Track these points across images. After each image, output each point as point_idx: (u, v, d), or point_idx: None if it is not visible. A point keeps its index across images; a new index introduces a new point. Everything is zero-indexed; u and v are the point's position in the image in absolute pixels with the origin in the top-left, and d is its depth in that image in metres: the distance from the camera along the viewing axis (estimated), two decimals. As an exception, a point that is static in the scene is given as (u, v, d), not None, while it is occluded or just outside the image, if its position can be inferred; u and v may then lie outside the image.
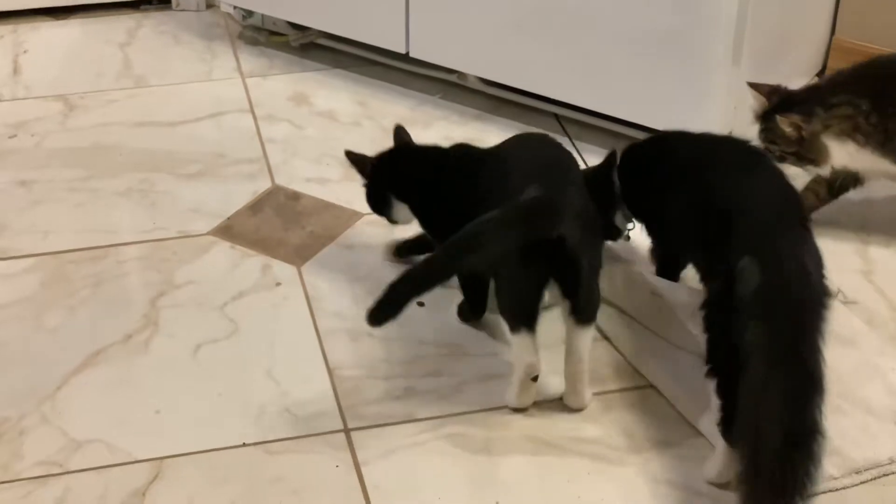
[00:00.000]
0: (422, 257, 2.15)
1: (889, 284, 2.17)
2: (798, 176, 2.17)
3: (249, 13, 3.02)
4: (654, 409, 1.91)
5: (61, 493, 1.76)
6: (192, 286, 2.18)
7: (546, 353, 1.85)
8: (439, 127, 2.65)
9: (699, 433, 1.84)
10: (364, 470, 1.80)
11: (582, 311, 1.83)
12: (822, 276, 1.75)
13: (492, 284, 1.94)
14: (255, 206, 2.40)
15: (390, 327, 1.97)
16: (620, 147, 2.09)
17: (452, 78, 2.77)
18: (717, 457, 1.75)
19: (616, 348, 2.03)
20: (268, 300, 2.15)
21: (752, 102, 2.22)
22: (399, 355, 2.01)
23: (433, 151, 2.11)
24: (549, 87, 2.58)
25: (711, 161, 1.94)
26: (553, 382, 1.91)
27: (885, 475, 1.77)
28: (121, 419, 1.89)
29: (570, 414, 1.89)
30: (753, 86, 2.22)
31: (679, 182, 1.94)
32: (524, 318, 1.82)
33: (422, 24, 2.68)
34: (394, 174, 2.09)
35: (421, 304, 2.04)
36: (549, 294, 1.83)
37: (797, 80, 2.53)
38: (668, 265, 2.10)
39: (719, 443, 1.74)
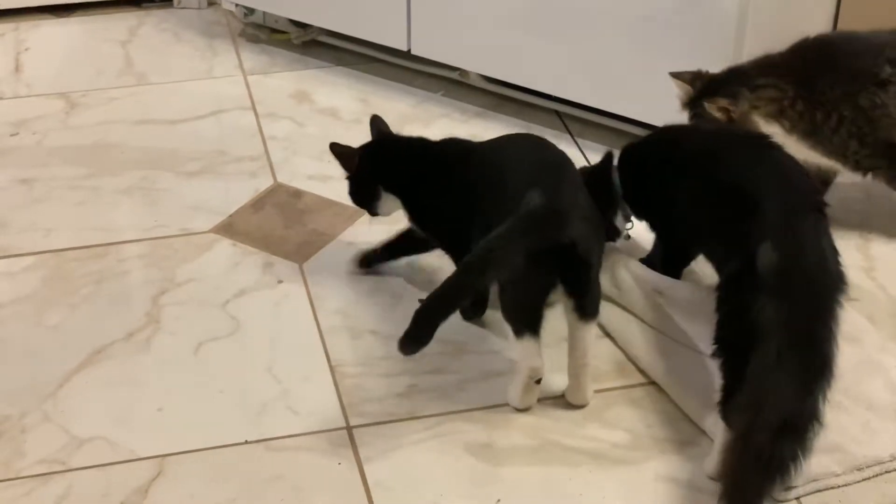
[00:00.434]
0: (388, 264, 2.15)
1: (890, 281, 2.17)
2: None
3: (251, 11, 3.01)
4: (655, 407, 1.90)
5: (63, 491, 1.76)
6: (193, 284, 2.18)
7: (547, 351, 1.85)
8: (441, 124, 2.65)
9: (701, 430, 1.83)
10: (366, 467, 1.80)
11: (586, 308, 1.82)
12: (838, 263, 1.76)
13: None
14: (257, 204, 2.40)
15: (391, 324, 1.97)
16: (620, 145, 2.09)
17: (454, 75, 2.77)
18: (717, 451, 1.74)
19: (618, 345, 2.03)
20: (269, 298, 2.15)
21: (677, 92, 2.20)
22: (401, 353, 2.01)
23: (423, 143, 2.09)
24: (550, 84, 2.58)
25: (724, 149, 1.95)
26: (554, 380, 1.90)
27: (886, 472, 1.77)
28: (122, 417, 1.89)
29: (572, 411, 1.89)
30: (675, 75, 2.19)
31: (692, 172, 1.94)
32: (529, 324, 1.81)
33: (423, 21, 2.67)
34: (384, 166, 2.07)
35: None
36: (552, 292, 1.82)
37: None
38: (672, 262, 2.09)
39: (719, 437, 1.73)
